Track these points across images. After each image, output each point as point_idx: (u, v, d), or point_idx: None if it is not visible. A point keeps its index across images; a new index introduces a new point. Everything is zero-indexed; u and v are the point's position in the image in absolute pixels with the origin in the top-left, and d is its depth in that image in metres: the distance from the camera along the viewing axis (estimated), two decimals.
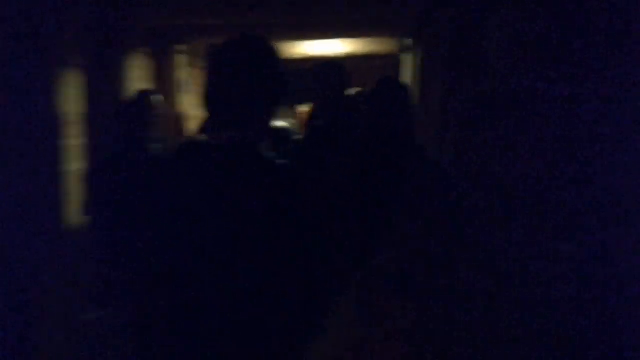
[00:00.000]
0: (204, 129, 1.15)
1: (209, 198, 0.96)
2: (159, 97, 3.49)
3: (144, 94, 3.28)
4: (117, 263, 1.84)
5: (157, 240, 1.00)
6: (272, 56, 1.08)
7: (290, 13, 3.55)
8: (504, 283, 1.01)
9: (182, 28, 4.16)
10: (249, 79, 1.03)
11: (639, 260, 0.83)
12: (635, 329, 0.80)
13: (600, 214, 0.94)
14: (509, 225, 1.11)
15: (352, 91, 3.50)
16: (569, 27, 1.32)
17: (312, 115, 3.86)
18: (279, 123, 4.34)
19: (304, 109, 4.16)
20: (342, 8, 3.52)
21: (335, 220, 2.07)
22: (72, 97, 2.63)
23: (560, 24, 1.35)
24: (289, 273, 0.97)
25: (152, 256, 1.00)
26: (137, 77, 3.53)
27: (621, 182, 0.93)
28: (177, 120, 4.44)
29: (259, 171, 1.01)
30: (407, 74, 4.68)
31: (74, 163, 2.54)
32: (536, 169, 1.13)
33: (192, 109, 4.59)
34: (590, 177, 1.01)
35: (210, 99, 1.06)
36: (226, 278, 0.95)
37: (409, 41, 4.55)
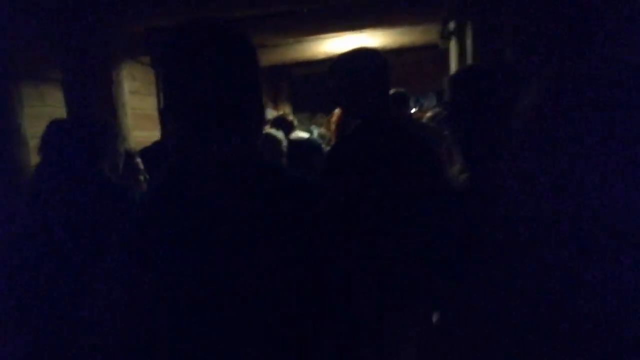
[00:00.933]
0: (181, 145, 0.91)
1: (225, 224, 0.90)
2: None
3: None
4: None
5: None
6: (245, 41, 0.95)
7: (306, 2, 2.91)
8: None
9: None
10: (233, 75, 0.91)
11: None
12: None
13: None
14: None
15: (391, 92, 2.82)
16: None
17: (341, 123, 3.19)
18: (302, 134, 3.66)
19: (336, 114, 3.36)
20: None
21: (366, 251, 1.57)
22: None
23: None
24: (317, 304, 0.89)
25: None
26: (131, 91, 2.97)
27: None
28: None
29: (275, 183, 0.95)
30: (453, 66, 3.97)
31: None
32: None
33: None
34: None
35: (188, 107, 0.91)
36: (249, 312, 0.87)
37: (452, 25, 3.83)
